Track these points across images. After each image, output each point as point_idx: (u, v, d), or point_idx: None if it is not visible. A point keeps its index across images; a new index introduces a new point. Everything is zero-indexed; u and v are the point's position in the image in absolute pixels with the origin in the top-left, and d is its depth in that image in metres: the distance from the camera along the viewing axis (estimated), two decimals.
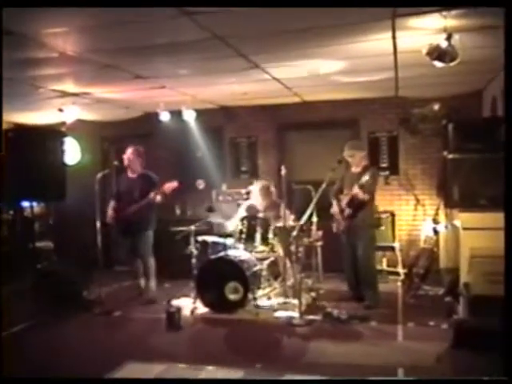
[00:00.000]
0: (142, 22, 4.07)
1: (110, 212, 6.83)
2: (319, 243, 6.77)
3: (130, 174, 6.87)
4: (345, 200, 6.26)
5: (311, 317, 5.75)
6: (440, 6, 3.80)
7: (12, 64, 5.10)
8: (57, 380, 4.03)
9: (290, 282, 6.42)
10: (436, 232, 6.99)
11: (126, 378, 4.26)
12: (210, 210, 7.06)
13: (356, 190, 6.00)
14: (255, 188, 7.07)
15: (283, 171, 6.28)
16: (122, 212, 6.71)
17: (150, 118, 8.56)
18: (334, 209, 6.44)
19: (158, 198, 6.51)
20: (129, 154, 6.80)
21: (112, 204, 6.87)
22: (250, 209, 6.99)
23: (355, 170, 6.39)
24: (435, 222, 7.05)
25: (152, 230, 6.83)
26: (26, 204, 7.71)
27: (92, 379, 4.18)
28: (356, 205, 6.15)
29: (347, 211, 6.21)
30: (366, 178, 5.92)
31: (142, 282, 6.90)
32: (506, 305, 2.95)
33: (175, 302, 6.09)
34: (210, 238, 6.78)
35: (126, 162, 6.82)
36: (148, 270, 6.81)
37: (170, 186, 6.48)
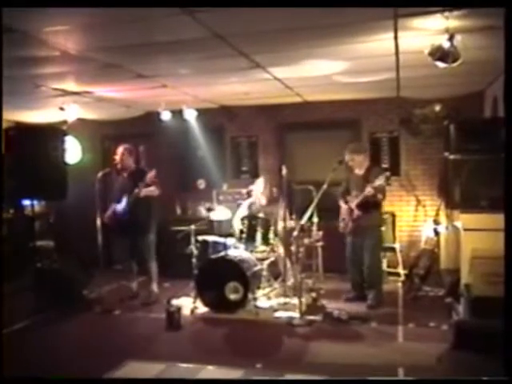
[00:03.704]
0: (143, 21, 4.06)
1: (108, 213, 6.69)
2: (320, 243, 6.77)
3: (123, 173, 6.73)
4: (355, 202, 6.18)
5: (311, 317, 5.74)
6: (440, 6, 3.80)
7: (13, 62, 5.10)
8: (57, 380, 4.03)
9: (290, 282, 6.43)
10: (437, 233, 6.99)
11: (126, 378, 4.25)
12: (210, 210, 7.04)
13: (370, 191, 5.94)
14: (259, 181, 7.13)
15: (284, 171, 6.28)
16: (116, 212, 6.59)
17: (151, 117, 8.53)
18: (342, 210, 6.42)
19: (145, 191, 6.40)
20: (120, 153, 6.66)
21: (112, 206, 6.70)
22: (252, 207, 7.00)
23: (359, 172, 6.37)
24: (436, 222, 7.04)
25: (153, 232, 6.71)
26: (26, 202, 7.70)
27: (92, 379, 4.18)
28: (368, 206, 6.12)
29: (356, 213, 6.16)
30: (379, 181, 5.89)
31: (134, 285, 6.84)
32: (506, 303, 2.96)
33: (175, 302, 6.09)
34: (210, 238, 6.78)
35: (117, 162, 6.67)
36: (151, 274, 6.73)
37: (151, 175, 6.41)
